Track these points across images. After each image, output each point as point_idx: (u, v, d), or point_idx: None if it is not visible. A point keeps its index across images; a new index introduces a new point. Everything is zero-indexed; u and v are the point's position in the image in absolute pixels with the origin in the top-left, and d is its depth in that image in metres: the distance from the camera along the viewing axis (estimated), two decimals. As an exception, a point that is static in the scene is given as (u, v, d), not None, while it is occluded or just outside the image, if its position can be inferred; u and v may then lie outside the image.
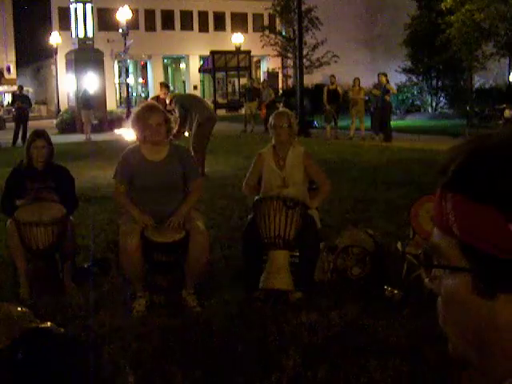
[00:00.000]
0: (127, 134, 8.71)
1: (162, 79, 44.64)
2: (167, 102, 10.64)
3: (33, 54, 47.16)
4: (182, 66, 51.01)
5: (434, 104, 28.80)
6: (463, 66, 25.72)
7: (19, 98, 20.69)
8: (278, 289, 4.66)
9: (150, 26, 47.14)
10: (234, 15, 49.68)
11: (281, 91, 36.60)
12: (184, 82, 49.15)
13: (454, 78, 27.79)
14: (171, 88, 12.07)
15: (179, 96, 11.44)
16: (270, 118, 5.25)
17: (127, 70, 37.59)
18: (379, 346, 3.75)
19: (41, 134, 5.19)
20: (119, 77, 45.59)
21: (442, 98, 28.83)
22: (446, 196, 0.75)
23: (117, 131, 17.05)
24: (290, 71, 36.67)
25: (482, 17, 21.58)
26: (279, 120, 5.10)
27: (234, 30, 45.88)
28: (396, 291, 4.65)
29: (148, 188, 4.64)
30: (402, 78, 28.85)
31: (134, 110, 4.86)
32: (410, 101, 28.93)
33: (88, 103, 21.65)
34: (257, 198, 4.97)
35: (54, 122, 26.44)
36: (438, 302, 0.79)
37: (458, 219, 0.73)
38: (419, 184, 9.39)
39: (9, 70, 46.65)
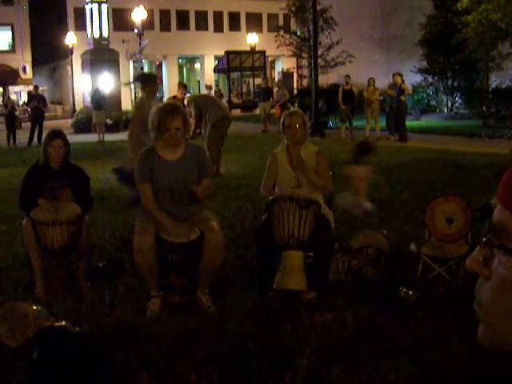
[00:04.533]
0: None
1: (176, 79, 44.87)
2: (185, 103, 10.62)
3: (48, 54, 47.50)
4: (197, 66, 51.11)
5: (449, 104, 28.61)
6: (479, 66, 25.54)
7: (35, 97, 20.83)
8: (292, 289, 4.66)
9: (165, 26, 47.31)
10: (248, 15, 49.73)
11: (295, 91, 36.54)
12: (199, 82, 49.22)
13: (470, 78, 27.55)
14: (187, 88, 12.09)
15: (194, 96, 11.48)
16: (282, 119, 5.15)
17: (142, 70, 37.70)
18: (393, 347, 3.73)
19: (58, 134, 5.20)
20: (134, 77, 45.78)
21: (457, 99, 28.61)
22: None
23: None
24: (305, 71, 36.59)
25: (498, 16, 21.41)
26: (294, 120, 5.07)
27: (248, 30, 45.98)
28: (411, 292, 4.63)
29: (163, 187, 4.61)
30: (418, 78, 28.66)
31: (155, 107, 4.75)
32: (426, 101, 28.76)
33: (98, 104, 20.93)
34: (270, 198, 4.96)
35: (70, 121, 26.60)
36: (482, 285, 0.76)
37: None
38: (434, 184, 9.36)
39: (24, 69, 46.95)
